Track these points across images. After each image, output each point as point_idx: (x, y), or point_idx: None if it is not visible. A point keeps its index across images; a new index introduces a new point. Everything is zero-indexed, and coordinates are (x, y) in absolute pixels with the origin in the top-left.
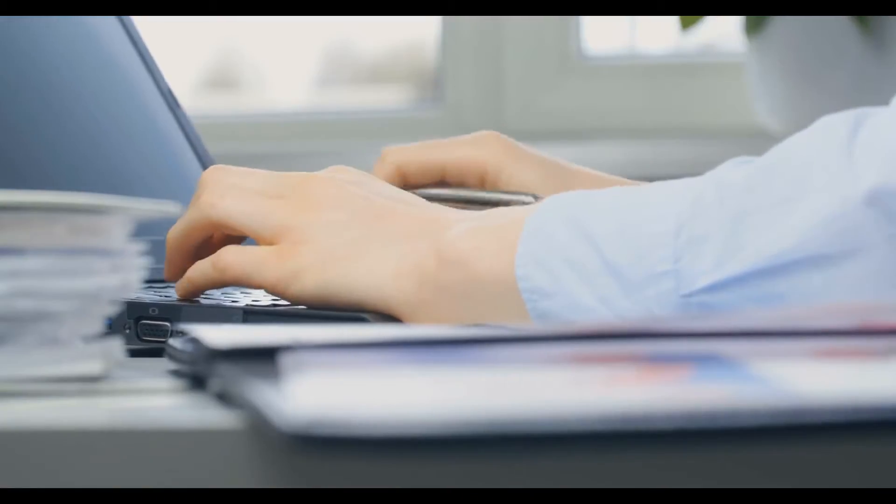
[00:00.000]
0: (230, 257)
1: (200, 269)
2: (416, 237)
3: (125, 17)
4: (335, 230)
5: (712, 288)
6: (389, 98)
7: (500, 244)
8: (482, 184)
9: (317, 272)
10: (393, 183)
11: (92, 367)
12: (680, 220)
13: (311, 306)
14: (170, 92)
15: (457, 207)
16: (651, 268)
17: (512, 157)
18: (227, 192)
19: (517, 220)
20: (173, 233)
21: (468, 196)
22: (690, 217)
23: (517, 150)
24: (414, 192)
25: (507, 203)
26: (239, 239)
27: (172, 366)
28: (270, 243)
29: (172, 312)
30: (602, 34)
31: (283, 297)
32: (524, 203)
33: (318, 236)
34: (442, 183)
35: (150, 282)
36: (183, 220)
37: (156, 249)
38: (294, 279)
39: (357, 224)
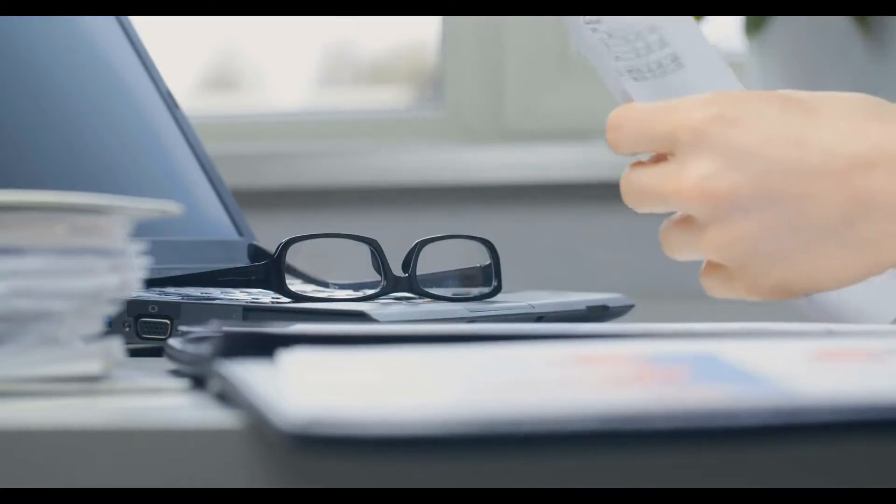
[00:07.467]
0: None
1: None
2: None
3: (123, 18)
4: None
5: None
6: (389, 98)
7: None
8: None
9: None
10: None
11: (92, 366)
12: None
13: None
14: (168, 93)
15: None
16: None
17: None
18: None
19: None
20: None
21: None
22: None
23: None
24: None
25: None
26: None
27: (172, 366)
28: None
29: (172, 310)
30: None
31: None
32: None
33: None
34: None
35: (150, 281)
36: None
37: (156, 249)
38: None
39: None
